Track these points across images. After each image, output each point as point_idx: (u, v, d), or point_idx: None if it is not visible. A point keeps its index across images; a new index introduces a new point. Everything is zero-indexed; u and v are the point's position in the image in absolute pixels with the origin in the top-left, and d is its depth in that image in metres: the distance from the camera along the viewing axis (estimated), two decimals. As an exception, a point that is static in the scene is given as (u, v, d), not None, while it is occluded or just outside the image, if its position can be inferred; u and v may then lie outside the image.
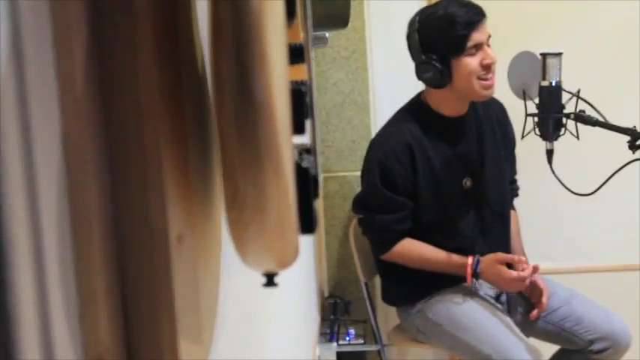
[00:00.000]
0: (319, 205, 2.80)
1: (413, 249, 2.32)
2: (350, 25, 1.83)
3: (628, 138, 1.93)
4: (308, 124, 0.71)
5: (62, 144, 0.51)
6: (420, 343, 2.46)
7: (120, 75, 0.57)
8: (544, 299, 2.28)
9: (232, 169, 0.63)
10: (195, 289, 0.69)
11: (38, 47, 0.49)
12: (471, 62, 2.16)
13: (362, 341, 2.60)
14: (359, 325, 2.68)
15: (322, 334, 2.61)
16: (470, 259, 2.24)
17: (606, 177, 1.95)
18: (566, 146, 2.06)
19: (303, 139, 0.73)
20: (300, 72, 0.77)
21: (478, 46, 2.16)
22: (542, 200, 2.88)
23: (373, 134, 2.63)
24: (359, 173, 2.45)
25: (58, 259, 0.50)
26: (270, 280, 0.70)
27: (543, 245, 2.89)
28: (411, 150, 2.26)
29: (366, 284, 2.63)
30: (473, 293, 2.32)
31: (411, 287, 2.38)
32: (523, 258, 2.28)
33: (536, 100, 2.06)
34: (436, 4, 2.22)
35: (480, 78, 2.18)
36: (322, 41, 1.82)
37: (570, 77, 2.07)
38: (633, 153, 1.92)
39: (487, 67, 2.17)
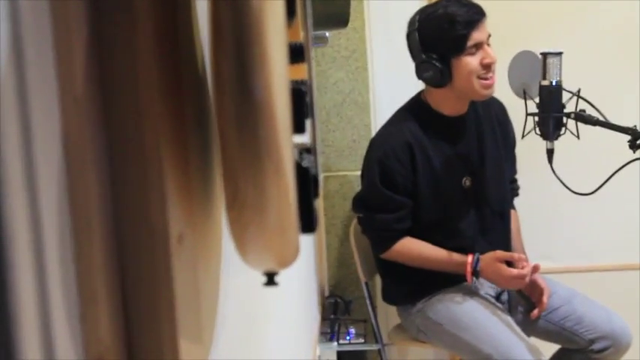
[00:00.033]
0: (319, 204, 2.79)
1: (413, 248, 2.32)
2: (350, 24, 1.83)
3: (628, 137, 1.93)
4: (308, 123, 0.71)
5: (62, 144, 0.51)
6: (420, 342, 2.46)
7: (120, 75, 0.57)
8: (545, 298, 2.28)
9: (232, 168, 0.63)
10: (195, 288, 0.69)
11: (38, 47, 0.49)
12: (471, 61, 2.16)
13: (362, 341, 2.60)
14: (359, 324, 2.68)
15: (322, 333, 2.61)
16: (470, 258, 2.24)
17: (606, 176, 1.95)
18: (567, 146, 2.06)
19: (304, 139, 0.73)
20: (301, 71, 0.77)
21: (478, 46, 2.16)
22: (543, 200, 2.88)
23: (373, 134, 2.63)
24: (359, 173, 2.45)
25: (58, 259, 0.50)
26: (270, 280, 0.70)
27: (543, 245, 2.89)
28: (410, 149, 2.26)
29: (366, 283, 2.63)
30: (473, 293, 2.32)
31: (412, 286, 2.38)
32: (523, 256, 2.28)
33: (537, 100, 2.06)
34: (436, 3, 2.22)
35: (480, 77, 2.18)
36: (322, 41, 1.82)
37: (570, 77, 2.07)
38: (634, 152, 1.92)
39: (487, 67, 2.17)
